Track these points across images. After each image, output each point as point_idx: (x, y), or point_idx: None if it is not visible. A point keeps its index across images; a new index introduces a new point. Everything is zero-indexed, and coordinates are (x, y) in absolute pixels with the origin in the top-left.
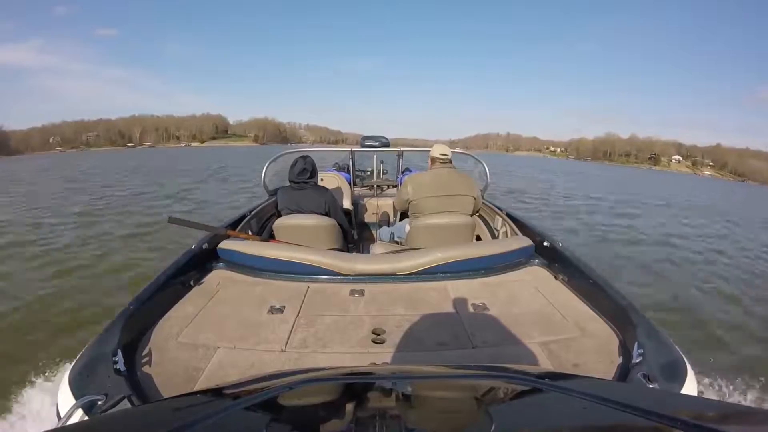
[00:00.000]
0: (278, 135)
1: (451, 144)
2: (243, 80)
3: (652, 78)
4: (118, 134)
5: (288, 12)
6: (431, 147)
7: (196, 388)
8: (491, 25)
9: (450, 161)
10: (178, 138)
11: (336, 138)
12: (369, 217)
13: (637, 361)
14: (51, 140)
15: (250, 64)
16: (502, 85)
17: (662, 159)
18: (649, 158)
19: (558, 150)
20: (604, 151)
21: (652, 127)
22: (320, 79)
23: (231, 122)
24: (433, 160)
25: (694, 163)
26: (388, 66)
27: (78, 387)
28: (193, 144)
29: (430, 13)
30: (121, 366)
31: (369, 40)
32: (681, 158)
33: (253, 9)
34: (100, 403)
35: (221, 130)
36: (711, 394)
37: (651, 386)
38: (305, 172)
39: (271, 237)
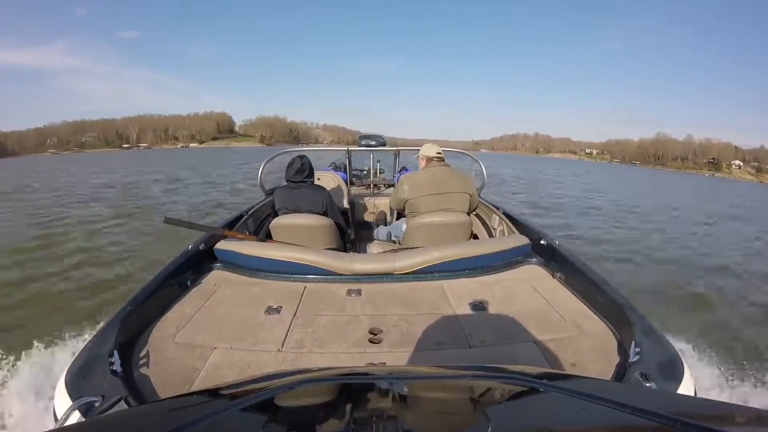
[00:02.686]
0: (289, 135)
1: (476, 145)
2: (260, 81)
3: (676, 78)
4: (116, 135)
5: (306, 12)
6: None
7: (193, 388)
8: (512, 26)
9: (443, 159)
10: (176, 139)
11: (354, 138)
12: (366, 217)
13: (634, 360)
14: (48, 141)
15: (265, 65)
16: (526, 85)
17: (722, 164)
18: (708, 163)
19: (594, 152)
20: (654, 155)
21: (679, 127)
22: (339, 80)
23: (241, 122)
24: (429, 159)
25: (758, 170)
26: (408, 66)
27: (74, 388)
28: (191, 145)
29: (450, 14)
30: (117, 367)
31: (389, 39)
32: (741, 163)
33: (270, 8)
34: (97, 404)
35: (224, 129)
36: (708, 394)
37: (648, 385)
38: (302, 171)
39: (268, 237)
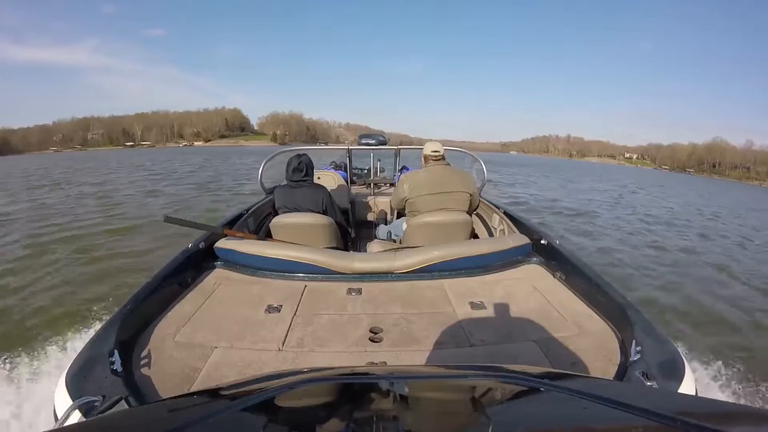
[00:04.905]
0: (305, 133)
1: (504, 147)
2: (285, 81)
3: (709, 80)
4: (122, 132)
5: (333, 12)
6: (473, 149)
7: (194, 388)
8: (536, 28)
9: (443, 158)
10: (182, 136)
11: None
12: (366, 216)
13: (635, 359)
14: (55, 138)
15: (291, 65)
16: (554, 87)
17: None
18: None
19: (634, 157)
20: (710, 163)
21: (714, 132)
22: (365, 80)
23: (257, 119)
24: (426, 158)
25: None
26: (434, 67)
27: (75, 388)
28: (195, 143)
29: (477, 14)
30: (118, 366)
31: (414, 40)
32: None
33: (298, 8)
34: (97, 404)
35: (234, 126)
36: (708, 393)
37: (649, 384)
38: (300, 170)
39: (268, 236)
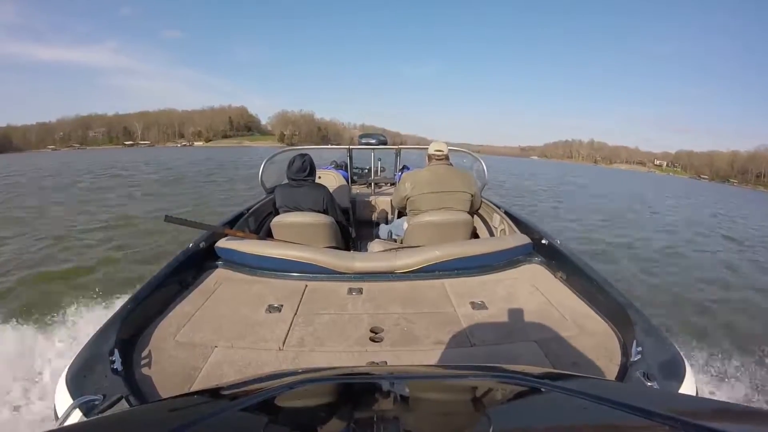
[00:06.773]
0: (316, 134)
1: (523, 152)
2: (298, 82)
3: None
4: (123, 131)
5: (346, 16)
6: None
7: (194, 387)
8: (552, 34)
9: (446, 157)
10: (182, 136)
11: (393, 140)
12: (367, 215)
13: (636, 359)
14: (56, 136)
15: (305, 68)
16: (572, 91)
17: None
18: None
19: (665, 164)
20: (756, 173)
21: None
22: (379, 83)
23: (267, 119)
24: (430, 157)
25: None
26: (449, 71)
27: (75, 387)
28: (196, 143)
29: (494, 18)
30: (118, 366)
31: (428, 44)
32: None
33: (311, 11)
34: (97, 403)
35: (238, 126)
36: (710, 394)
37: (649, 385)
38: (303, 170)
39: (269, 235)
